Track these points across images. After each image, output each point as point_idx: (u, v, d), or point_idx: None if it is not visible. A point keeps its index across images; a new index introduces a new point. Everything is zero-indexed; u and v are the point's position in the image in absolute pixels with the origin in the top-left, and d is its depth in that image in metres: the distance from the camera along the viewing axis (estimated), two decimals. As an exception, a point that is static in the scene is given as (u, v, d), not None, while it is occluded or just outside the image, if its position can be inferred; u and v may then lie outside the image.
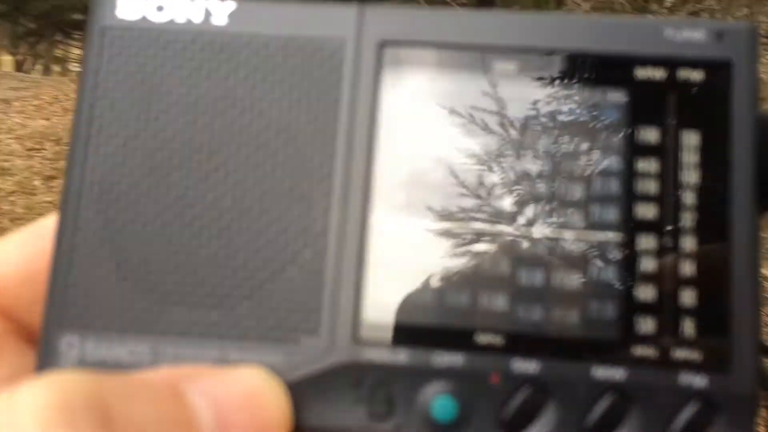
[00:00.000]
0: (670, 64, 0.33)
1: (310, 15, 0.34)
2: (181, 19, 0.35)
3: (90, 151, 0.34)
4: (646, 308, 0.32)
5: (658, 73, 0.33)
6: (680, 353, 0.31)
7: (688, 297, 0.31)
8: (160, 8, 0.35)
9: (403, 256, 0.33)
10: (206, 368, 0.31)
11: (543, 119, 0.33)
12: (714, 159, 0.32)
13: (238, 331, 0.32)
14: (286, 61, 0.34)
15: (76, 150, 0.34)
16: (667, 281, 0.32)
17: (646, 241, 0.32)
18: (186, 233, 0.33)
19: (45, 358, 0.32)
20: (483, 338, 0.32)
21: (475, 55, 0.34)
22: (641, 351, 0.31)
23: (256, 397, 0.30)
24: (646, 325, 0.31)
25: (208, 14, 0.35)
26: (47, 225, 0.36)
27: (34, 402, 0.25)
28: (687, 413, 0.30)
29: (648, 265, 0.32)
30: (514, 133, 0.33)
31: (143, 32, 0.34)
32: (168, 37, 0.34)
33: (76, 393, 0.26)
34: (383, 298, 0.32)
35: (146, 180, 0.33)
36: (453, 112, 0.34)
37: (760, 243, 0.32)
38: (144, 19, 0.35)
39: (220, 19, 0.35)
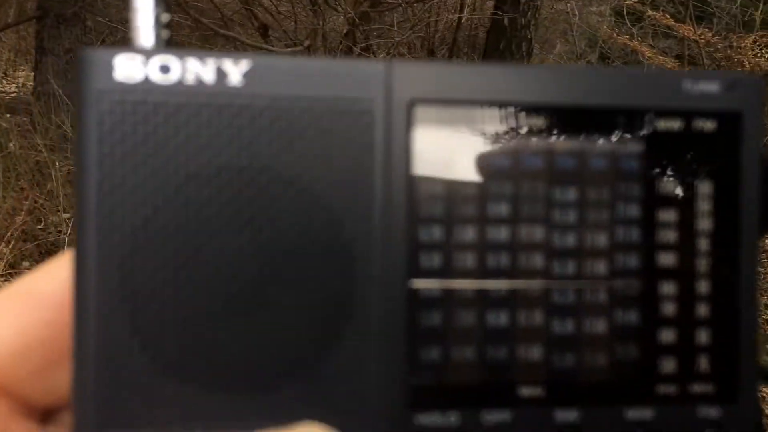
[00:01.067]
0: (687, 114, 0.34)
1: (334, 73, 0.32)
2: (190, 81, 0.31)
3: (104, 234, 0.31)
4: (667, 349, 0.34)
5: (676, 124, 0.34)
6: (697, 388, 0.34)
7: (703, 336, 0.34)
8: (165, 69, 0.31)
9: (443, 317, 0.33)
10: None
11: (569, 172, 0.34)
12: (725, 206, 0.35)
13: (286, 412, 0.32)
14: (312, 125, 0.32)
15: (87, 234, 0.30)
16: (685, 323, 0.34)
17: (666, 287, 0.34)
18: (222, 316, 0.31)
19: None
20: (525, 391, 0.33)
21: (504, 112, 0.33)
22: (665, 389, 0.34)
23: None
24: (669, 364, 0.34)
25: (221, 74, 0.31)
26: (34, 290, 0.33)
27: None
28: None
29: (668, 309, 0.34)
30: (541, 186, 0.34)
31: (148, 96, 0.31)
32: (178, 100, 0.31)
33: None
34: (430, 363, 0.33)
35: (172, 261, 0.31)
36: (482, 168, 0.33)
37: (757, 280, 0.35)
38: (147, 81, 0.31)
39: (236, 79, 0.31)
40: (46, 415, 0.34)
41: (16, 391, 0.33)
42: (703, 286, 0.34)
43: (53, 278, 0.33)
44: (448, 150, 0.33)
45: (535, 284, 0.34)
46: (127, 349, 0.31)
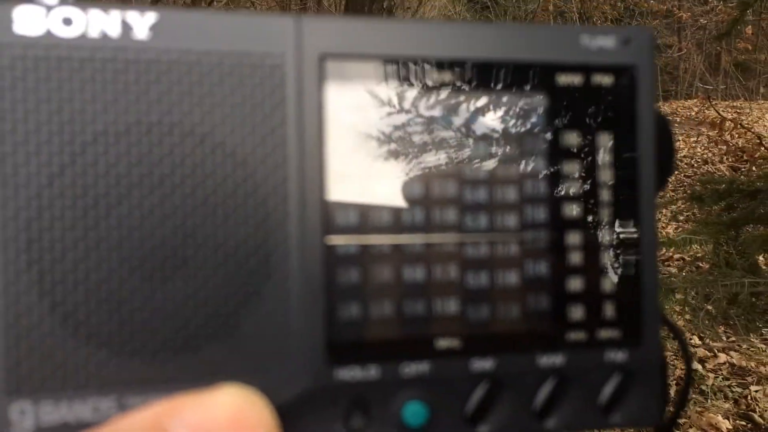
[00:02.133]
0: (586, 69, 0.36)
1: (243, 27, 0.32)
2: (94, 34, 0.30)
3: (8, 194, 0.29)
4: (575, 298, 0.36)
5: (575, 79, 0.36)
6: (604, 333, 0.36)
7: (608, 284, 0.36)
8: (67, 21, 0.30)
9: (362, 274, 0.33)
10: (186, 398, 0.30)
11: (476, 127, 0.35)
12: (624, 157, 0.36)
13: (207, 372, 0.31)
14: (223, 79, 0.32)
15: None
16: (591, 272, 0.36)
17: (572, 238, 0.36)
18: (135, 277, 0.31)
19: None
20: (443, 343, 0.34)
21: (411, 66, 0.34)
22: (574, 336, 0.36)
23: (242, 416, 0.29)
24: (577, 312, 0.36)
25: (127, 27, 0.31)
26: None
27: None
28: (612, 384, 0.36)
29: (575, 258, 0.36)
30: (451, 142, 0.35)
31: (50, 50, 0.30)
32: (82, 55, 0.30)
33: None
34: (348, 318, 0.33)
35: (81, 221, 0.30)
36: (394, 123, 0.34)
37: (656, 227, 0.37)
38: (49, 34, 0.30)
39: (142, 32, 0.31)
40: None
41: None
42: (606, 236, 0.36)
43: None
44: (360, 105, 0.34)
45: (449, 238, 0.35)
46: (36, 312, 0.29)
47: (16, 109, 0.29)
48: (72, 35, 0.30)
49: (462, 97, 0.35)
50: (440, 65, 0.34)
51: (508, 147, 0.35)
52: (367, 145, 0.34)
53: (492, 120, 0.35)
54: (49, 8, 0.30)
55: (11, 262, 0.29)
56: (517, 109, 0.35)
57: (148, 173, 0.31)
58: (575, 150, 0.36)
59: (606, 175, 0.36)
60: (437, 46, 0.34)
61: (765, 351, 2.82)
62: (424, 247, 0.34)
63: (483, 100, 0.35)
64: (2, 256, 0.29)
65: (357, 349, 0.33)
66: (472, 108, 0.35)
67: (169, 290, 0.31)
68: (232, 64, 0.32)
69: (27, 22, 0.30)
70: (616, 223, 0.36)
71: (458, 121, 0.35)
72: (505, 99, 0.35)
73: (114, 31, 0.31)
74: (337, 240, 0.33)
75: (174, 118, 0.31)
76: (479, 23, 0.35)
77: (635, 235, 0.36)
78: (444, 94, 0.35)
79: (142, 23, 0.31)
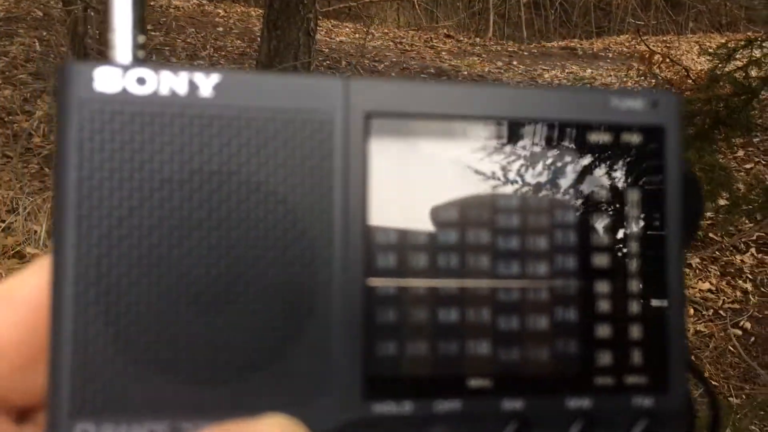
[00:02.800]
0: (616, 129, 0.38)
1: (297, 87, 0.35)
2: (164, 92, 0.34)
3: (82, 233, 0.33)
4: (603, 344, 0.37)
5: (605, 137, 0.38)
6: (632, 379, 0.37)
7: (636, 332, 0.38)
8: (141, 81, 0.34)
9: (399, 314, 0.36)
10: (234, 424, 0.32)
11: (511, 180, 0.37)
12: (652, 211, 0.38)
13: (252, 401, 0.34)
14: (277, 133, 0.35)
15: (66, 232, 0.33)
16: (619, 320, 0.38)
17: (601, 286, 0.38)
18: (191, 311, 0.34)
19: None
20: (474, 382, 0.36)
21: (451, 124, 0.37)
22: (602, 380, 0.37)
23: None
24: (605, 358, 0.37)
25: (193, 86, 0.34)
26: (10, 293, 0.35)
27: None
28: (638, 429, 0.37)
29: (603, 306, 0.38)
30: (486, 193, 0.37)
31: (125, 105, 0.34)
32: (153, 110, 0.34)
33: None
34: (386, 356, 0.35)
35: (146, 259, 0.33)
36: (434, 176, 0.37)
37: (684, 279, 0.39)
38: (125, 91, 0.34)
39: (206, 91, 0.34)
40: (21, 415, 0.36)
41: None
42: (634, 285, 0.38)
43: (28, 283, 0.35)
44: (402, 159, 0.36)
45: (482, 283, 0.37)
46: (101, 340, 0.33)
47: (93, 158, 0.33)
48: (145, 93, 0.34)
49: (498, 153, 0.37)
50: (478, 122, 0.37)
51: (541, 199, 0.38)
52: (407, 195, 0.36)
53: (525, 174, 0.37)
54: (125, 69, 0.34)
55: (82, 294, 0.33)
56: (550, 164, 0.38)
57: (207, 217, 0.34)
58: (605, 203, 0.38)
59: (634, 228, 0.38)
60: (475, 106, 0.37)
61: None
62: (458, 290, 0.36)
63: (517, 156, 0.37)
64: (74, 288, 0.33)
65: (393, 386, 0.35)
66: (506, 162, 0.37)
67: (221, 323, 0.34)
68: (285, 119, 0.35)
69: (106, 81, 0.33)
70: (644, 274, 0.38)
71: (494, 174, 0.37)
72: (538, 154, 0.38)
73: (182, 89, 0.34)
74: (377, 282, 0.36)
75: (232, 168, 0.34)
76: (518, 87, 0.38)
77: (663, 287, 0.38)
78: (480, 149, 0.37)
79: (207, 83, 0.34)
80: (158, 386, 0.33)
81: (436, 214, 0.37)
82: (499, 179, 0.37)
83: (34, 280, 0.35)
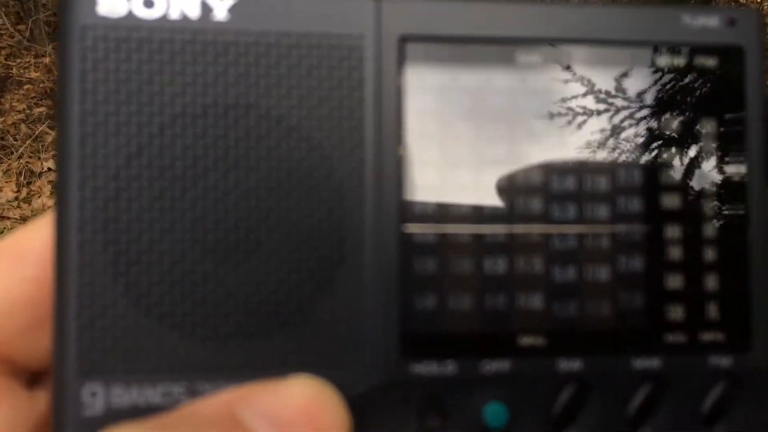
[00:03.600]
0: (688, 50, 0.33)
1: (322, 9, 0.31)
2: (175, 15, 0.30)
3: (87, 174, 0.30)
4: (674, 296, 0.33)
5: (676, 60, 0.33)
6: (707, 336, 0.33)
7: (712, 282, 0.33)
8: (148, 3, 0.30)
9: (440, 264, 0.32)
10: (258, 386, 0.29)
11: (567, 111, 0.33)
12: (730, 144, 0.33)
13: (278, 360, 0.30)
14: (300, 61, 0.31)
15: (70, 173, 0.30)
16: (692, 268, 0.33)
17: (672, 231, 0.33)
18: (209, 260, 0.30)
19: (66, 410, 0.29)
20: (526, 340, 0.32)
21: (498, 48, 0.33)
22: (673, 338, 0.33)
23: (314, 408, 0.28)
24: (676, 312, 0.33)
25: (206, 9, 0.31)
26: (18, 247, 0.32)
27: None
28: (716, 392, 0.33)
29: (674, 253, 0.33)
30: (538, 127, 0.33)
31: (132, 31, 0.30)
32: (162, 36, 0.30)
33: None
34: (426, 311, 0.31)
35: (157, 202, 0.30)
36: (478, 108, 0.32)
37: None
38: (131, 15, 0.30)
39: (221, 13, 0.31)
40: (33, 378, 0.33)
41: (2, 352, 0.31)
42: (710, 229, 0.33)
43: (37, 236, 0.32)
44: (442, 89, 0.32)
45: (533, 229, 0.32)
46: (110, 293, 0.29)
47: (97, 90, 0.30)
48: (153, 16, 0.30)
49: (551, 80, 0.33)
50: (530, 45, 0.33)
51: (601, 133, 0.33)
52: (447, 130, 0.32)
53: (582, 104, 0.33)
54: None
55: (87, 242, 0.29)
56: (610, 92, 0.33)
57: (224, 155, 0.30)
58: (676, 136, 0.33)
59: (710, 164, 0.33)
60: (526, 26, 0.33)
61: None
62: (506, 237, 0.32)
63: (573, 83, 0.33)
64: (79, 236, 0.29)
65: (434, 344, 0.31)
66: (561, 91, 0.33)
67: (242, 274, 0.30)
68: (309, 45, 0.31)
69: (110, 4, 0.30)
70: (722, 215, 0.33)
71: (546, 104, 0.33)
72: (597, 82, 0.33)
73: (194, 12, 0.31)
74: (414, 228, 0.32)
75: (250, 100, 0.31)
76: (574, 4, 0.33)
77: (743, 230, 0.33)
78: (532, 76, 0.33)
79: (222, 5, 0.31)
80: (173, 343, 0.30)
81: (480, 150, 0.32)
82: (551, 111, 0.33)
83: (42, 233, 0.32)
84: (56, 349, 0.29)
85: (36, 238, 0.32)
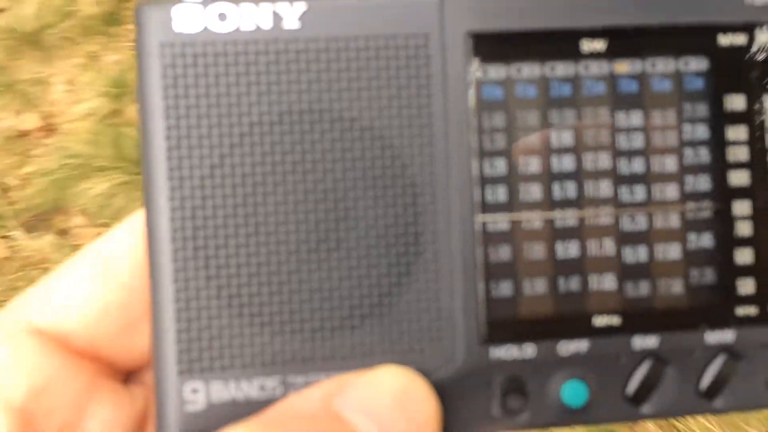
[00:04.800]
0: (751, 28, 0.33)
1: (388, 10, 0.32)
2: (248, 27, 0.31)
3: (175, 185, 0.31)
4: (745, 270, 0.33)
5: (739, 39, 0.33)
6: None
7: None
8: (222, 17, 0.31)
9: (514, 251, 0.33)
10: (349, 377, 0.30)
11: (633, 96, 0.33)
12: None
13: (363, 350, 0.32)
14: (369, 64, 0.32)
15: (158, 186, 0.31)
16: (761, 243, 0.33)
17: (740, 207, 0.34)
18: (293, 259, 0.32)
19: (170, 408, 0.31)
20: (601, 320, 0.33)
21: (560, 38, 0.33)
22: (744, 311, 0.33)
23: (408, 395, 0.30)
24: (746, 286, 0.33)
25: (277, 19, 0.32)
26: (107, 253, 0.34)
27: None
28: None
29: (743, 229, 0.34)
30: (605, 112, 0.33)
31: (207, 45, 0.31)
32: (236, 49, 0.31)
33: None
34: (502, 297, 0.33)
35: (241, 208, 0.31)
36: (545, 99, 0.33)
37: None
38: (206, 30, 0.31)
39: (292, 22, 0.32)
40: (128, 375, 0.35)
41: (100, 354, 0.33)
42: None
43: (122, 241, 0.34)
44: (507, 81, 0.33)
45: (603, 212, 0.33)
46: (204, 296, 0.31)
47: (179, 105, 0.31)
48: (227, 30, 0.31)
49: (617, 66, 0.33)
50: (593, 34, 0.33)
51: (666, 114, 0.33)
52: (515, 121, 0.33)
53: (647, 88, 0.33)
54: (205, 4, 0.31)
55: (180, 249, 0.31)
56: (676, 75, 0.33)
57: (301, 159, 0.32)
58: (741, 114, 0.33)
59: None
60: (589, 16, 0.33)
61: None
62: (577, 222, 0.33)
63: (639, 67, 0.33)
64: (172, 245, 0.31)
65: (511, 328, 0.33)
66: (627, 76, 0.33)
67: (325, 271, 0.32)
68: (377, 47, 0.32)
69: (185, 20, 0.31)
70: None
71: (612, 90, 0.33)
72: (662, 65, 0.33)
73: (266, 23, 0.31)
74: (486, 218, 0.33)
75: (323, 105, 0.32)
76: None
77: None
78: (598, 63, 0.33)
79: (292, 13, 0.32)
80: (265, 340, 0.31)
81: (549, 139, 0.33)
82: (617, 95, 0.33)
83: (127, 237, 0.34)
84: (157, 351, 0.31)
85: (123, 243, 0.34)
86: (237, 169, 0.31)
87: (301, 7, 0.32)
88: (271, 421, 0.28)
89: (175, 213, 0.31)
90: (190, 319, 0.31)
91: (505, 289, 0.33)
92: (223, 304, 0.31)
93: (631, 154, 0.33)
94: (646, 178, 0.33)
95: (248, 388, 0.31)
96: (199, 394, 0.31)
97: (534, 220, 0.33)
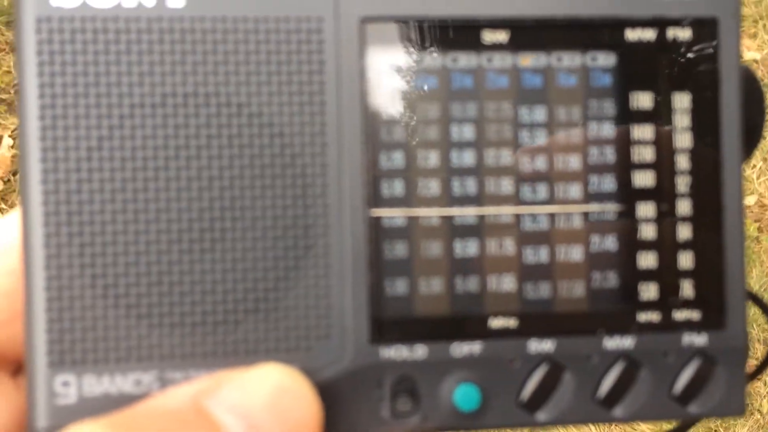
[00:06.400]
0: (660, 23, 0.32)
1: None
2: (130, 4, 0.30)
3: (48, 167, 0.29)
4: (647, 275, 0.32)
5: (648, 34, 0.32)
6: (681, 314, 0.32)
7: (686, 260, 0.32)
8: None
9: (409, 248, 0.32)
10: (225, 375, 0.29)
11: (535, 90, 0.32)
12: (705, 120, 0.33)
13: (247, 347, 0.30)
14: (259, 47, 0.30)
15: (31, 167, 0.30)
16: (666, 247, 0.32)
17: (645, 209, 0.32)
18: (174, 249, 0.30)
19: (40, 400, 0.30)
20: (497, 322, 0.32)
21: (462, 28, 0.32)
22: (646, 317, 0.32)
23: (284, 395, 0.28)
24: (649, 291, 0.32)
25: None
26: None
27: None
28: (690, 370, 0.32)
29: (647, 232, 0.32)
30: (506, 106, 0.32)
31: (86, 21, 0.30)
32: (117, 26, 0.30)
33: None
34: (395, 295, 0.31)
35: (119, 194, 0.30)
36: (444, 89, 0.32)
37: (743, 198, 0.33)
38: (85, 5, 0.30)
39: (177, 0, 0.30)
40: (17, 367, 0.34)
41: None
42: (684, 207, 0.32)
43: (11, 228, 0.32)
44: (405, 70, 0.32)
45: (504, 211, 0.32)
46: (78, 285, 0.30)
47: (55, 83, 0.29)
48: (108, 6, 0.30)
49: (519, 59, 0.32)
50: (494, 25, 0.32)
51: (572, 111, 0.32)
52: (412, 112, 0.32)
53: (552, 83, 0.32)
54: None
55: (53, 234, 0.29)
56: (582, 70, 0.32)
57: (185, 145, 0.30)
58: (647, 112, 0.32)
59: (684, 140, 0.33)
60: (491, 5, 0.32)
61: None
62: (476, 219, 0.32)
63: (542, 61, 0.32)
64: (44, 230, 0.29)
65: (403, 327, 0.31)
66: (531, 70, 0.32)
67: (208, 263, 0.30)
68: (267, 30, 0.30)
69: None
70: (696, 194, 0.33)
71: (514, 84, 0.32)
72: (568, 59, 0.32)
73: (149, 0, 0.30)
74: (381, 212, 0.31)
75: (209, 89, 0.30)
76: None
77: (717, 207, 0.32)
78: (499, 55, 0.32)
79: None
80: (142, 333, 0.30)
81: (447, 132, 0.32)
82: (521, 90, 0.32)
83: (16, 225, 0.32)
84: (28, 341, 0.30)
85: (10, 231, 0.32)
86: (116, 153, 0.30)
87: None
88: (128, 419, 0.26)
89: (48, 197, 0.29)
90: (62, 308, 0.30)
91: (399, 287, 0.31)
92: (98, 294, 0.30)
93: (534, 151, 0.32)
94: (548, 177, 0.32)
95: (123, 383, 0.30)
96: (70, 388, 0.30)
97: (432, 216, 0.32)
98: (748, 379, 0.33)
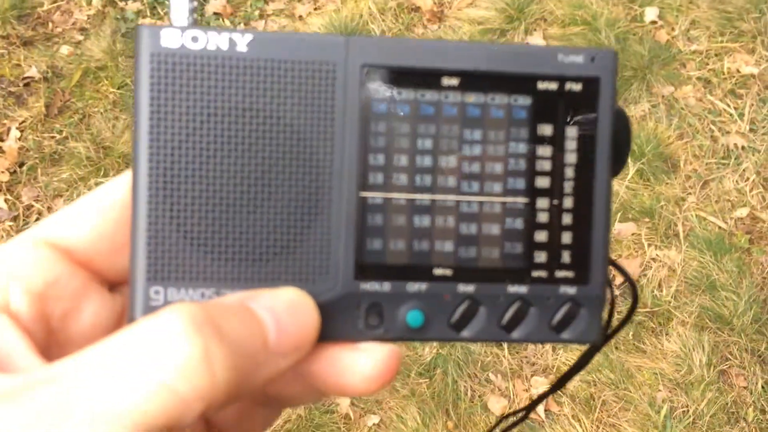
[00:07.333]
0: (561, 79, 0.49)
1: (309, 44, 0.47)
2: (211, 47, 0.46)
3: (153, 152, 0.46)
4: (541, 246, 0.49)
5: (552, 85, 0.49)
6: (560, 273, 0.49)
7: (566, 237, 0.49)
8: (195, 39, 0.46)
9: (384, 219, 0.48)
10: (261, 291, 0.45)
11: (475, 118, 0.48)
12: (586, 145, 0.49)
13: (273, 276, 0.47)
14: (294, 80, 0.46)
15: (143, 145, 0.45)
16: (554, 228, 0.49)
17: (542, 202, 0.49)
18: (231, 211, 0.46)
19: (139, 303, 0.46)
20: (438, 271, 0.48)
21: (428, 74, 0.48)
22: (537, 273, 0.49)
23: (299, 305, 0.44)
24: (540, 257, 0.49)
25: (232, 43, 0.46)
26: (107, 195, 0.48)
27: (175, 320, 0.36)
28: (563, 310, 0.49)
29: (542, 217, 0.49)
30: (455, 128, 0.48)
31: (183, 58, 0.46)
32: (203, 62, 0.46)
33: (197, 314, 0.36)
34: (373, 250, 0.48)
35: (200, 173, 0.46)
36: (415, 114, 0.48)
37: (611, 199, 0.50)
38: (183, 47, 0.46)
39: (242, 46, 0.46)
40: (113, 286, 0.50)
41: (93, 265, 0.47)
42: (568, 202, 0.49)
43: (121, 184, 0.48)
44: (389, 100, 0.48)
45: (449, 197, 0.48)
46: (168, 229, 0.46)
47: (160, 97, 0.45)
48: (198, 48, 0.46)
49: (465, 97, 0.48)
50: (449, 74, 0.48)
51: (500, 134, 0.49)
52: (395, 129, 0.48)
53: (487, 113, 0.48)
54: (183, 30, 0.46)
55: (153, 196, 0.45)
56: (507, 107, 0.48)
57: (242, 141, 0.46)
58: (548, 137, 0.49)
59: (571, 158, 0.49)
60: (449, 61, 0.48)
61: None
62: (430, 203, 0.48)
63: (482, 99, 0.48)
64: (148, 192, 0.45)
65: (377, 271, 0.48)
66: (473, 105, 0.48)
67: (251, 219, 0.46)
68: (300, 68, 0.46)
69: (169, 39, 0.45)
70: (577, 194, 0.49)
71: (461, 113, 0.48)
72: (498, 99, 0.48)
73: (224, 45, 0.46)
74: (367, 194, 0.48)
75: (259, 105, 0.46)
76: (483, 44, 0.49)
77: (590, 204, 0.49)
78: (453, 94, 0.48)
79: (243, 40, 0.46)
80: (207, 263, 0.46)
81: (416, 143, 0.48)
82: (466, 117, 0.48)
83: (121, 186, 0.48)
84: (132, 264, 0.46)
85: (122, 187, 0.48)
86: (199, 147, 0.46)
87: (249, 37, 0.46)
88: (203, 305, 0.42)
89: (152, 171, 0.46)
90: (156, 243, 0.46)
91: (375, 244, 0.48)
92: (180, 236, 0.46)
93: (472, 159, 0.48)
94: (481, 177, 0.48)
95: (193, 294, 0.46)
96: (159, 295, 0.46)
97: (401, 198, 0.48)
98: (605, 321, 0.50)
